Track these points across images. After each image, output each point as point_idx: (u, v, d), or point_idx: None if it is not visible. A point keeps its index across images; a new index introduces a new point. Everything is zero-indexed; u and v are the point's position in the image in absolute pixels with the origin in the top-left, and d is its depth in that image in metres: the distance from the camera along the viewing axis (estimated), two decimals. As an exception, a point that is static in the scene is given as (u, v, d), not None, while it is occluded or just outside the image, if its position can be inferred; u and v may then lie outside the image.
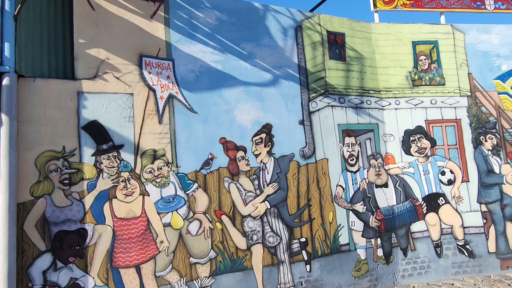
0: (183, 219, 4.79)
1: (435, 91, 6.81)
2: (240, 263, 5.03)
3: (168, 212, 4.73)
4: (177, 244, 4.73)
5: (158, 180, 4.72)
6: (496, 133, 6.90)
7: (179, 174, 4.87)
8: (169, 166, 4.79)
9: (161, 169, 4.75)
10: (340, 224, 5.86)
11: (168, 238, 4.69)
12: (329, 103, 6.08)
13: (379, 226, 6.15)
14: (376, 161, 6.34)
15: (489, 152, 6.82)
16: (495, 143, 6.86)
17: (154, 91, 4.85)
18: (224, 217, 5.04)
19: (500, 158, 6.86)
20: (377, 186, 6.29)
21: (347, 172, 6.09)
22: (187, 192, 4.88)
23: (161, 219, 4.68)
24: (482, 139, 6.83)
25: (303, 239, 5.53)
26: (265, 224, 5.32)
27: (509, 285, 5.89)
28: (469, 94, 6.93)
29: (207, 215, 4.95)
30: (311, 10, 7.43)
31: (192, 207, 4.89)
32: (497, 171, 6.81)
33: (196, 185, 4.93)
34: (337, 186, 5.95)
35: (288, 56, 5.86)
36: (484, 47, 7.14)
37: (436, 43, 6.93)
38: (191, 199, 4.89)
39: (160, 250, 4.61)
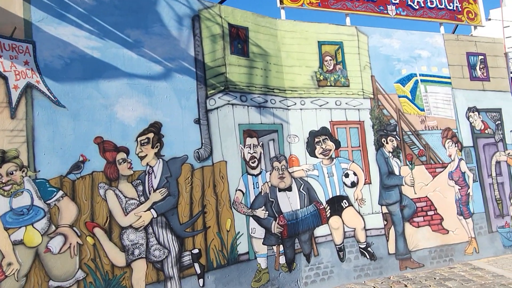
0: (41, 235, 3.86)
1: (339, 92, 6.59)
2: (117, 283, 4.22)
3: (20, 227, 3.78)
4: (31, 265, 3.79)
5: (6, 188, 3.74)
6: (396, 136, 6.87)
7: (37, 180, 3.92)
8: (23, 171, 3.84)
9: (11, 174, 3.78)
10: (239, 232, 5.30)
11: (20, 259, 3.74)
12: (229, 101, 5.51)
13: (281, 232, 5.71)
14: (280, 163, 5.90)
15: (390, 154, 6.77)
16: (396, 145, 6.83)
17: (5, 78, 3.87)
18: (97, 230, 4.19)
19: (400, 160, 6.84)
20: (280, 190, 5.85)
21: (248, 176, 5.56)
22: (48, 202, 3.95)
23: (9, 236, 3.71)
24: (384, 141, 6.75)
25: (195, 251, 4.87)
26: (150, 235, 4.57)
27: (406, 286, 5.78)
28: (372, 96, 6.82)
29: (74, 228, 4.07)
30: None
31: (55, 219, 3.97)
32: (397, 172, 6.77)
33: (61, 193, 4.02)
34: (236, 190, 5.39)
35: (183, 48, 5.18)
36: (386, 51, 7.11)
37: (341, 44, 6.73)
38: (54, 210, 3.97)
39: (7, 274, 3.64)
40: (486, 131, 7.63)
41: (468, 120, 7.51)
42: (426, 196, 6.87)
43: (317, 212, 6.04)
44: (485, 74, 7.83)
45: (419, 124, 7.06)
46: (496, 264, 6.74)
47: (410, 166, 6.83)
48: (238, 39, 5.71)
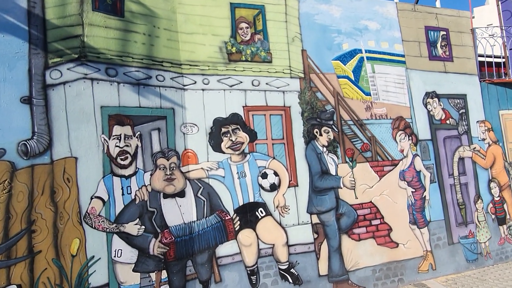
0: None
1: (258, 69, 4.98)
2: None
3: None
4: None
5: None
6: (333, 126, 5.31)
7: None
8: None
9: None
10: (93, 257, 3.67)
11: None
12: (86, 74, 3.86)
13: (166, 253, 4.11)
14: (168, 160, 4.28)
15: (324, 149, 5.20)
16: (332, 137, 5.27)
17: None
18: None
19: (337, 156, 5.29)
20: (167, 196, 4.24)
21: (114, 177, 3.92)
22: None
23: None
24: (317, 132, 5.18)
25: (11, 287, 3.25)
26: None
27: (335, 322, 4.26)
28: (303, 75, 5.24)
29: None
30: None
31: None
32: (333, 172, 5.21)
33: None
34: (92, 198, 3.75)
35: (8, -4, 3.51)
36: (323, 20, 5.52)
37: (262, 9, 5.11)
38: None
39: None
40: (448, 122, 6.13)
41: (426, 107, 6.00)
42: (371, 201, 5.34)
43: (221, 225, 4.45)
44: (447, 53, 6.31)
45: (364, 111, 5.51)
46: (455, 284, 5.25)
47: (351, 163, 5.28)
48: (107, -9, 4.06)
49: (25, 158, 3.38)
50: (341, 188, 5.16)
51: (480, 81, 6.53)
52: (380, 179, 5.45)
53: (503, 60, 7.61)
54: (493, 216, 6.24)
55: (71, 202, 3.57)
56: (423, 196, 5.70)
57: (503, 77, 6.68)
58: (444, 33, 6.35)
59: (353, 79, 5.51)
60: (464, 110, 6.28)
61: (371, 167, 5.42)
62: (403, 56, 5.93)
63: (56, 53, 3.65)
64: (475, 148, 6.26)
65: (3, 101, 3.34)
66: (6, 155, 3.29)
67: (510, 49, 7.22)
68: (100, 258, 3.68)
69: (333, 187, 5.12)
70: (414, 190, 5.64)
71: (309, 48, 5.29)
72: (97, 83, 3.87)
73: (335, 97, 5.33)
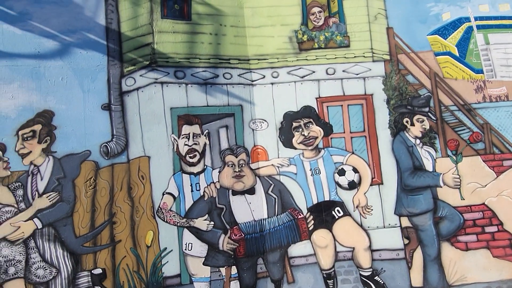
0: None
1: (333, 56, 4.51)
2: (-21, 309, 3.37)
3: None
4: None
5: None
6: (429, 113, 4.44)
7: None
8: None
9: None
10: (165, 248, 3.92)
11: None
12: (157, 78, 4.11)
13: (236, 250, 4.11)
14: (237, 157, 4.25)
15: (417, 141, 4.41)
16: (427, 127, 4.42)
17: None
18: (-46, 244, 3.40)
19: (434, 149, 4.42)
20: (236, 193, 4.23)
21: (184, 175, 4.09)
22: None
23: None
24: (407, 122, 4.42)
25: (97, 270, 3.70)
26: (32, 251, 3.56)
27: None
28: (388, 57, 4.53)
29: None
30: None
31: None
32: (429, 168, 4.37)
33: None
34: (164, 194, 4.00)
35: (90, 16, 3.98)
36: (415, -11, 4.66)
37: (338, -12, 4.62)
38: None
39: None
40: None
41: None
42: (484, 204, 4.32)
43: (294, 223, 4.23)
44: None
45: (473, 93, 4.48)
46: None
47: (455, 158, 4.37)
48: (175, -2, 4.26)
49: (106, 158, 3.80)
50: (441, 186, 4.31)
51: None
52: (497, 176, 4.35)
53: None
54: None
55: (145, 198, 3.86)
56: None
57: None
58: None
59: (457, 55, 4.53)
60: None
61: (484, 161, 4.37)
62: (533, 18, 4.58)
63: (130, 62, 3.99)
64: None
65: (88, 109, 3.81)
66: (91, 156, 3.75)
67: None
68: (172, 250, 3.90)
69: (430, 186, 4.31)
70: (552, 190, 4.32)
71: (397, 24, 4.55)
72: (167, 86, 4.09)
73: (432, 78, 4.47)
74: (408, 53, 4.49)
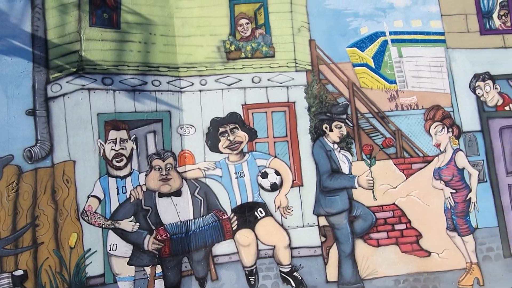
0: None
1: (259, 65, 4.77)
2: None
3: None
4: None
5: None
6: (347, 120, 4.78)
7: None
8: None
9: None
10: (89, 249, 4.05)
11: None
12: (84, 85, 4.23)
13: (161, 249, 4.30)
14: (164, 161, 4.43)
15: (335, 146, 4.73)
16: (345, 133, 4.76)
17: None
18: None
19: (351, 153, 4.76)
20: (162, 195, 4.41)
21: (110, 178, 4.24)
22: None
23: None
24: (326, 128, 4.74)
25: (18, 272, 3.80)
26: (-50, 254, 3.64)
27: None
28: (310, 68, 4.83)
29: None
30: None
31: None
32: (345, 171, 4.71)
33: None
34: (89, 197, 4.13)
35: (15, 23, 4.04)
36: (336, 4, 4.97)
37: (264, 1, 4.86)
38: None
39: None
40: (507, 108, 4.99)
41: (475, 92, 4.97)
42: (394, 204, 4.70)
43: (218, 224, 4.45)
44: (508, 24, 5.11)
45: (387, 102, 4.85)
46: (507, 307, 4.31)
47: (369, 161, 4.72)
48: (104, 7, 4.37)
49: (29, 162, 3.89)
50: (356, 188, 4.65)
51: (561, 54, 5.12)
52: (407, 178, 4.74)
53: None
54: None
55: (70, 201, 3.98)
56: (467, 198, 4.77)
57: None
58: (505, -2, 5.13)
59: (373, 66, 4.88)
60: (533, 93, 5.02)
61: (395, 164, 4.75)
62: (442, 34, 5.01)
63: (56, 69, 4.09)
64: (549, 139, 4.95)
65: (11, 115, 3.89)
66: (14, 160, 3.83)
67: None
68: (96, 251, 4.03)
69: (346, 187, 4.64)
70: (454, 191, 4.76)
71: (319, 37, 4.85)
72: (94, 92, 4.21)
73: (350, 88, 4.80)
74: (329, 64, 4.81)
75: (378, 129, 4.77)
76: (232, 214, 4.48)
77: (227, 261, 4.42)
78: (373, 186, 4.66)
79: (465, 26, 5.04)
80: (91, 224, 4.05)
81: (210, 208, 4.48)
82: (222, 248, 4.42)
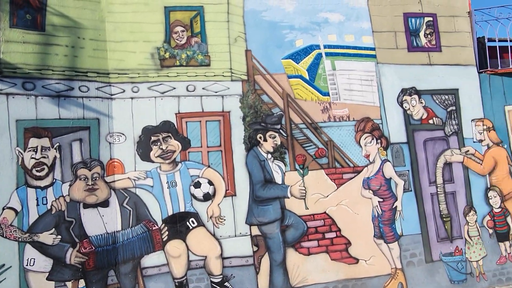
0: None
1: (194, 73, 4.73)
2: None
3: None
4: None
5: None
6: (281, 130, 4.86)
7: None
8: None
9: None
10: (3, 265, 3.79)
11: None
12: (1, 89, 3.97)
13: (85, 263, 4.11)
14: (90, 171, 4.25)
15: (269, 156, 4.79)
16: (279, 143, 4.83)
17: None
18: None
19: (284, 163, 4.84)
20: (87, 206, 4.23)
21: (29, 189, 4.00)
22: None
23: None
24: (260, 138, 4.78)
25: None
26: None
27: None
28: (246, 78, 4.86)
29: None
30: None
31: None
32: (278, 181, 4.78)
33: None
34: (3, 209, 3.87)
35: None
36: (272, 16, 5.05)
37: (200, 10, 4.83)
38: None
39: None
40: (431, 121, 5.30)
41: (402, 106, 5.23)
42: (325, 212, 4.82)
43: (148, 235, 4.35)
44: (433, 43, 5.43)
45: (320, 113, 4.98)
46: (426, 310, 4.54)
47: (302, 171, 4.81)
48: (27, 7, 4.13)
49: None
50: (289, 197, 4.72)
51: (479, 73, 5.52)
52: (338, 188, 4.88)
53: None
54: (491, 231, 5.28)
55: (-19, 213, 3.70)
56: (393, 206, 5.00)
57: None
58: (430, 19, 5.46)
59: (307, 78, 4.99)
60: (454, 108, 5.37)
61: (327, 174, 4.88)
62: (373, 49, 5.23)
63: (-30, 72, 3.80)
64: (468, 151, 5.33)
65: None
66: None
67: None
68: (11, 266, 3.78)
69: (279, 197, 4.70)
70: (381, 200, 4.97)
71: (255, 47, 4.89)
72: (13, 97, 3.97)
73: (285, 99, 4.88)
74: (264, 75, 4.86)
75: (311, 140, 4.88)
76: (163, 225, 4.40)
77: (156, 273, 4.32)
78: (305, 196, 4.77)
79: (394, 42, 5.30)
80: (5, 237, 3.80)
81: (140, 218, 4.36)
82: (151, 259, 4.32)
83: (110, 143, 4.37)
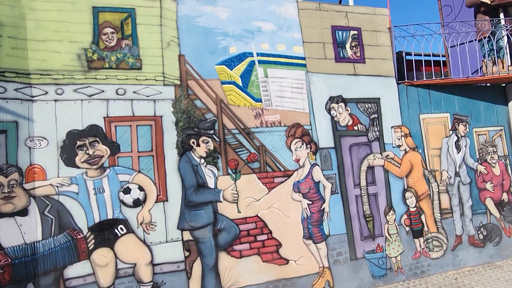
0: None
1: (125, 77, 4.63)
2: None
3: None
4: None
5: None
6: (214, 135, 4.92)
7: None
8: None
9: None
10: None
11: None
12: None
13: (0, 276, 3.83)
14: (6, 177, 3.97)
15: (202, 161, 4.83)
16: (212, 148, 4.89)
17: None
18: None
19: (217, 168, 4.91)
20: (3, 215, 3.94)
21: None
22: None
23: None
24: (193, 143, 4.81)
25: None
26: None
27: None
28: (179, 83, 4.86)
29: None
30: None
31: None
32: (211, 185, 4.83)
33: None
34: None
35: None
36: (207, 22, 5.12)
37: (132, 12, 4.75)
38: None
39: None
40: (356, 128, 5.67)
41: (330, 113, 5.54)
42: (257, 216, 4.95)
43: (72, 244, 4.15)
44: (358, 55, 5.84)
45: (253, 119, 5.11)
46: (349, 304, 4.83)
47: (234, 175, 4.90)
48: None
49: None
50: (221, 202, 4.79)
51: (398, 84, 6.03)
52: (269, 192, 5.04)
53: (442, 58, 7.10)
54: (407, 229, 5.76)
55: None
56: (322, 208, 5.28)
57: (442, 77, 6.17)
58: (355, 32, 5.87)
59: (240, 84, 5.11)
60: (376, 115, 5.80)
61: (258, 178, 5.02)
62: (303, 58, 5.49)
63: None
64: (388, 155, 5.78)
65: None
66: None
67: (451, 47, 6.70)
68: None
69: (211, 201, 4.75)
70: (310, 202, 5.22)
71: (189, 52, 4.90)
72: None
73: (218, 104, 4.94)
74: (197, 80, 4.89)
75: (244, 145, 5.00)
76: (89, 233, 4.23)
77: (81, 283, 4.15)
78: (237, 200, 4.86)
79: (323, 53, 5.61)
80: None
81: (63, 227, 4.16)
82: (75, 270, 4.14)
83: (30, 147, 4.12)
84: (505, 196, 6.45)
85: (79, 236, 4.18)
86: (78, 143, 4.29)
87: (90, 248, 4.21)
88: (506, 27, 6.26)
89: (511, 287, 5.03)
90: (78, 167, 4.28)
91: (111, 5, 4.60)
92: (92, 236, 4.23)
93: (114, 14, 4.62)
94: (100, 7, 4.55)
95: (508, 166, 6.56)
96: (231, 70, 5.08)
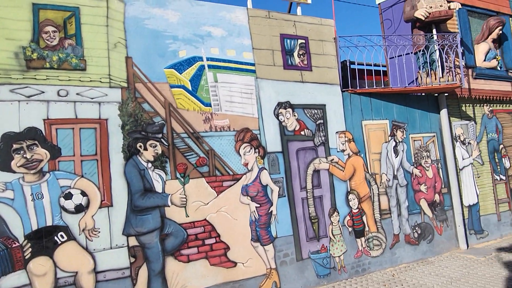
0: None
1: (67, 77, 4.46)
2: None
3: None
4: None
5: None
6: (162, 139, 4.89)
7: None
8: None
9: None
10: None
11: None
12: None
13: None
14: None
15: (149, 165, 4.77)
16: (160, 152, 4.85)
17: None
18: None
19: (165, 172, 4.87)
20: None
21: None
22: None
23: None
24: (140, 147, 4.74)
25: None
26: None
27: None
28: (126, 85, 4.77)
29: None
30: None
31: None
32: (159, 189, 4.79)
33: None
34: None
35: None
36: (156, 25, 5.08)
37: (76, 11, 4.59)
38: None
39: None
40: (303, 133, 5.89)
41: (278, 118, 5.71)
42: (205, 219, 4.97)
43: (6, 253, 3.91)
44: (305, 63, 6.08)
45: (202, 123, 5.13)
46: (295, 304, 4.98)
47: (183, 180, 4.88)
48: None
49: None
50: (169, 206, 4.75)
51: (342, 91, 6.35)
52: (218, 195, 5.09)
53: (382, 68, 7.56)
54: (350, 229, 6.08)
55: None
56: (269, 211, 5.41)
57: (382, 86, 6.55)
58: (303, 41, 6.10)
59: (190, 88, 5.12)
60: (322, 121, 6.07)
61: (207, 182, 5.05)
62: (253, 64, 5.61)
63: None
64: (332, 159, 6.06)
65: None
66: None
67: (390, 58, 7.15)
68: None
69: (159, 206, 4.70)
70: (258, 205, 5.34)
71: (136, 55, 4.83)
72: None
73: (167, 108, 4.91)
74: (145, 83, 4.83)
75: (193, 149, 5.01)
76: (26, 241, 4.02)
77: (16, 295, 3.92)
78: (186, 204, 4.86)
79: (272, 60, 5.78)
80: None
81: (-4, 236, 3.91)
82: (9, 281, 3.91)
83: (-42, 151, 3.83)
84: (437, 197, 7.02)
85: (14, 245, 3.96)
86: (15, 146, 4.07)
87: (26, 257, 4.00)
88: (438, 42, 6.84)
89: (441, 280, 5.49)
90: (14, 172, 4.06)
91: (53, 2, 4.43)
92: (29, 244, 4.03)
93: (57, 12, 4.45)
94: (41, 4, 4.37)
95: (440, 170, 7.15)
96: (180, 74, 5.08)
